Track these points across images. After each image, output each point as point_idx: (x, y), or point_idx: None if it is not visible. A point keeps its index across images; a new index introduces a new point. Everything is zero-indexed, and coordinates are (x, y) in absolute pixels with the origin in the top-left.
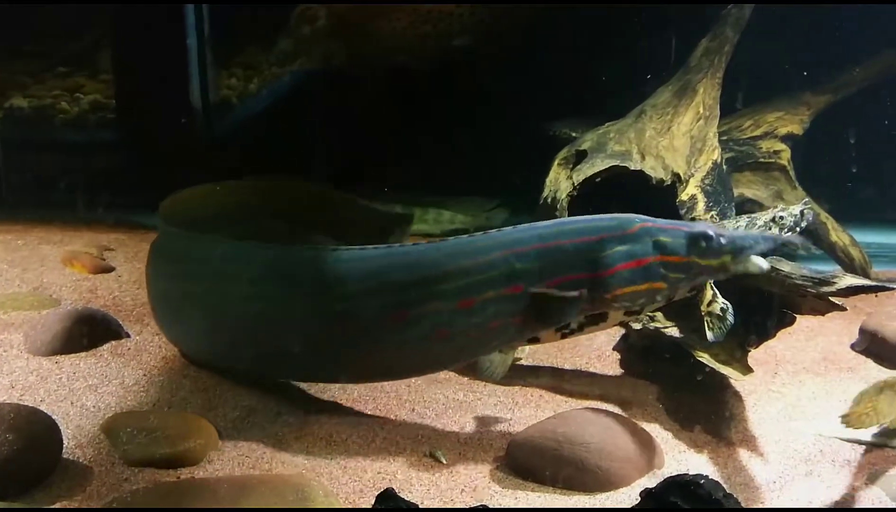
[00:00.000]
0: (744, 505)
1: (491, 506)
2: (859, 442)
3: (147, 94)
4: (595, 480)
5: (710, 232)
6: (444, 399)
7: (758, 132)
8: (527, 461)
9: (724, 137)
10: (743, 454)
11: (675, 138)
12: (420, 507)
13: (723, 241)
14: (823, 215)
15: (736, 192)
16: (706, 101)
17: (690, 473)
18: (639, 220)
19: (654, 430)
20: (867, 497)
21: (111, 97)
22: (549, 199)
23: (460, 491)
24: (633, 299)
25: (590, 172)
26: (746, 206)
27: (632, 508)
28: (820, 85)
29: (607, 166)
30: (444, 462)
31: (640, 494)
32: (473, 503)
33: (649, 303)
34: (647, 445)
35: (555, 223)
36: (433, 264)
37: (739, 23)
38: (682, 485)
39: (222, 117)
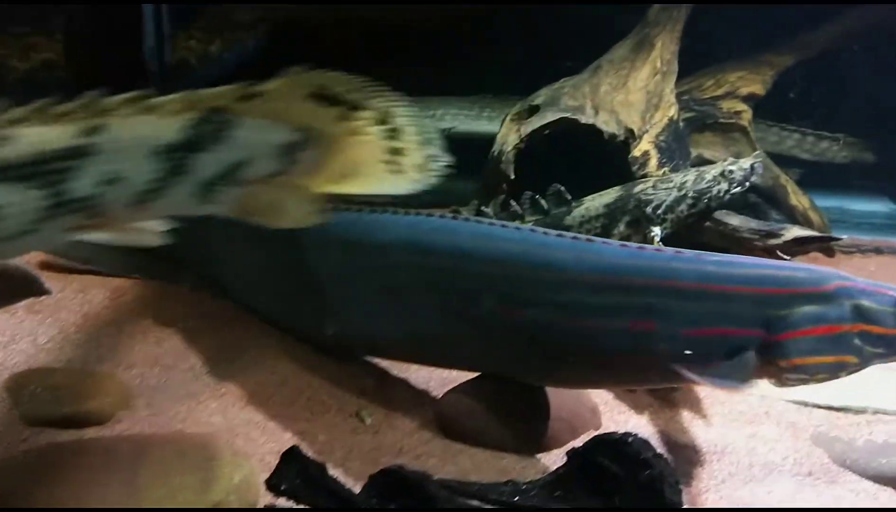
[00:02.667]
0: (682, 467)
1: (414, 468)
2: (805, 404)
3: (99, 53)
4: (527, 441)
5: None
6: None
7: (719, 92)
8: (456, 422)
9: (685, 97)
10: (685, 416)
11: (631, 93)
12: (327, 466)
13: None
14: (783, 178)
15: (695, 152)
16: (664, 56)
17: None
18: (836, 278)
19: (594, 390)
20: (808, 459)
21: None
22: (496, 153)
23: (385, 453)
24: (814, 372)
25: (538, 124)
26: None
27: (556, 470)
28: (782, 45)
29: (556, 118)
30: (370, 423)
31: (567, 454)
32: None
33: (829, 377)
34: (583, 406)
35: (728, 261)
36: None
37: None
38: (609, 444)
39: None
